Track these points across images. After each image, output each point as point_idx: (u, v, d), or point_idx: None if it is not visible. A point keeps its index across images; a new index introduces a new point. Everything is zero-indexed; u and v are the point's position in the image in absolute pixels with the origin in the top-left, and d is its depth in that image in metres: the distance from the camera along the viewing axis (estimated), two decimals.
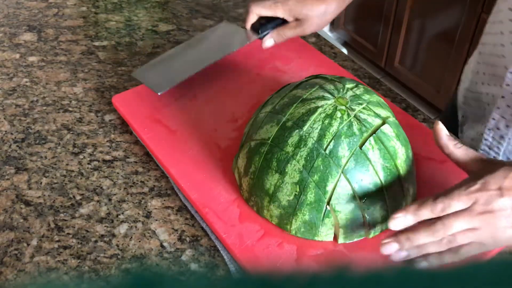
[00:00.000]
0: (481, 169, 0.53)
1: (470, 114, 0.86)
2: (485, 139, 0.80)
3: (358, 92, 0.59)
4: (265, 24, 0.82)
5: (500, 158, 0.79)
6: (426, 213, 0.52)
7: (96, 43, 0.92)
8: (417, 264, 0.53)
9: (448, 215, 0.51)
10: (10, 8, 1.01)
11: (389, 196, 0.57)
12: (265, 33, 0.82)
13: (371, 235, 0.59)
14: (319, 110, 0.57)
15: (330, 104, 0.57)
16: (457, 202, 0.51)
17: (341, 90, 0.59)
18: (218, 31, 0.85)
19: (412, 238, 0.51)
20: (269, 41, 0.80)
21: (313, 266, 0.57)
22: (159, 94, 0.73)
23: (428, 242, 0.52)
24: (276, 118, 0.59)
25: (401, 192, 0.58)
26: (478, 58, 0.81)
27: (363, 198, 0.56)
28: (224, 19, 0.99)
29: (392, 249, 0.52)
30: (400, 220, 0.52)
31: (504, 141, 0.77)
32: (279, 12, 0.79)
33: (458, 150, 0.56)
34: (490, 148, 0.80)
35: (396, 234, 0.52)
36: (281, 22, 0.83)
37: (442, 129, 0.56)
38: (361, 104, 0.58)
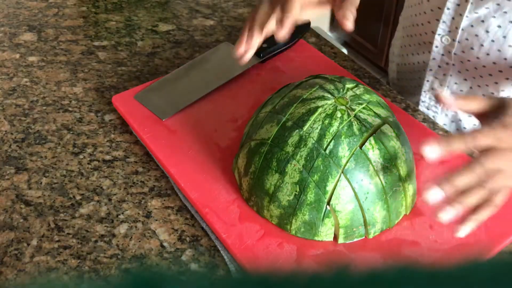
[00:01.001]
0: (494, 112, 0.56)
1: (405, 86, 0.94)
2: (423, 101, 0.88)
3: (358, 92, 0.59)
4: (266, 48, 0.83)
5: (439, 116, 0.87)
6: (457, 141, 0.53)
7: (96, 43, 0.92)
8: (459, 232, 0.54)
9: (480, 155, 0.53)
10: (10, 8, 1.01)
11: (389, 196, 0.57)
12: (266, 56, 0.83)
13: (371, 235, 0.59)
14: (319, 110, 0.57)
15: (330, 104, 0.57)
16: (483, 137, 0.53)
17: (341, 90, 0.59)
18: (218, 52, 0.85)
19: (451, 179, 0.52)
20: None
21: (313, 266, 0.57)
22: (163, 120, 0.72)
23: (469, 193, 0.53)
24: (276, 118, 0.59)
25: (401, 192, 0.58)
26: (402, 33, 0.89)
27: (363, 198, 0.56)
28: (225, 40, 0.99)
29: (436, 195, 0.52)
30: (434, 148, 0.53)
31: None
32: None
33: (468, 102, 0.58)
34: (428, 109, 0.89)
35: (436, 180, 0.53)
36: (283, 46, 0.84)
37: (445, 96, 0.58)
38: (361, 104, 0.58)
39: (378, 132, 0.57)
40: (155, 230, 0.62)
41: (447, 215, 0.53)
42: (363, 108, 0.58)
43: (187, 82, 0.79)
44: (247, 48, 0.61)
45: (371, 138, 0.56)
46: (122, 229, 0.62)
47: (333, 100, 0.58)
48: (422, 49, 0.84)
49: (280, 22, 0.57)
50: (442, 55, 0.80)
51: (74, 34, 0.94)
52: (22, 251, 0.59)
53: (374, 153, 0.56)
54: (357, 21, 0.63)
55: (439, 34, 0.78)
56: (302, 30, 0.87)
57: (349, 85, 0.60)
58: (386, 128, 0.57)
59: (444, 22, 0.76)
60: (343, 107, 0.57)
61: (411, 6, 0.85)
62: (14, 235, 0.61)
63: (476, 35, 0.74)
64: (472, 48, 0.76)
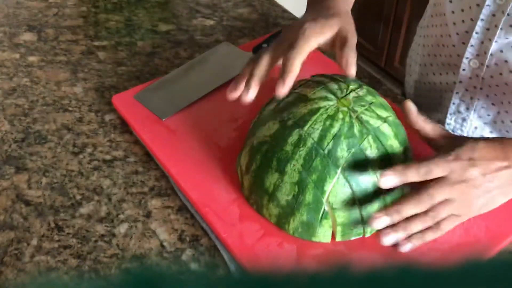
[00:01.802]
0: (450, 144, 0.58)
1: (423, 103, 0.90)
2: (448, 124, 0.86)
3: (361, 93, 0.59)
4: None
5: None
6: (412, 173, 0.55)
7: (96, 43, 0.92)
8: (402, 247, 0.57)
9: (431, 186, 0.55)
10: (10, 8, 1.01)
11: (386, 195, 0.57)
12: None
13: (368, 234, 0.59)
14: (321, 110, 0.57)
15: (333, 105, 0.57)
16: (437, 168, 0.55)
17: (345, 90, 0.59)
18: (218, 52, 0.85)
19: (400, 209, 0.54)
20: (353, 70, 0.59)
21: (313, 266, 0.57)
22: (163, 120, 0.73)
23: (415, 220, 0.55)
24: (279, 116, 0.59)
25: (400, 191, 0.58)
26: (423, 51, 0.85)
27: (361, 197, 0.56)
28: (224, 40, 0.99)
29: (383, 223, 0.54)
30: (390, 178, 0.54)
31: (466, 123, 0.83)
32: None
33: (427, 125, 0.60)
34: (453, 131, 0.86)
35: (385, 209, 0.55)
36: None
37: (412, 106, 0.60)
38: (363, 105, 0.58)
39: (376, 131, 0.57)
40: (155, 230, 0.62)
41: (389, 240, 0.55)
42: (366, 109, 0.58)
43: (187, 82, 0.79)
44: (241, 97, 0.60)
45: (369, 137, 0.56)
46: (122, 229, 0.62)
47: (335, 101, 0.58)
48: (446, 70, 0.81)
49: (282, 79, 0.56)
50: (470, 78, 0.77)
51: (74, 34, 0.94)
52: (22, 251, 0.59)
53: (372, 151, 0.56)
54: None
55: (466, 58, 0.75)
56: None
57: (352, 86, 0.60)
58: (385, 128, 0.57)
59: (472, 46, 0.73)
60: (345, 109, 0.57)
61: (434, 25, 0.81)
62: (14, 235, 0.61)
63: (506, 61, 0.71)
64: (501, 74, 0.73)
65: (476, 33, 0.72)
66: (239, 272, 0.57)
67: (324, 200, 0.55)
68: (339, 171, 0.55)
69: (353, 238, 0.59)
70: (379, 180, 0.54)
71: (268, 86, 0.78)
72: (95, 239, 0.61)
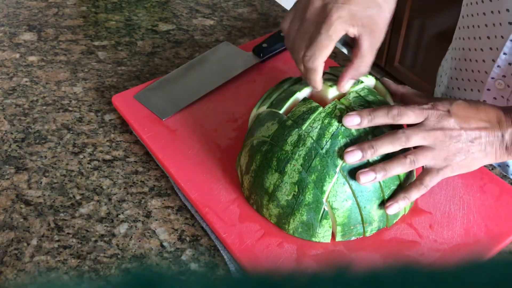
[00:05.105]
0: (428, 98, 0.58)
1: None
2: None
3: (362, 93, 0.59)
4: (267, 47, 0.82)
5: None
6: (381, 114, 0.55)
7: (96, 43, 0.92)
8: (388, 209, 0.56)
9: (408, 129, 0.55)
10: (10, 7, 1.01)
11: (387, 194, 0.57)
12: (266, 56, 0.82)
13: (368, 233, 0.59)
14: (320, 109, 0.57)
15: (332, 104, 0.57)
16: (411, 112, 0.55)
17: None
18: (218, 52, 0.85)
19: (375, 145, 0.54)
20: (348, 84, 0.60)
21: (313, 266, 0.57)
22: (163, 120, 0.73)
23: (393, 161, 0.55)
24: (278, 116, 0.59)
25: (400, 191, 0.58)
26: (452, 64, 0.81)
27: (360, 196, 0.56)
28: (224, 38, 0.99)
29: (356, 158, 0.54)
30: (354, 118, 0.54)
31: None
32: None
33: (409, 90, 0.61)
34: None
35: (360, 143, 0.55)
36: (283, 46, 0.83)
37: (388, 80, 0.62)
38: (363, 105, 0.58)
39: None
40: (155, 230, 0.62)
41: (367, 178, 0.54)
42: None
43: (187, 82, 0.79)
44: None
45: (369, 136, 0.56)
46: (122, 228, 0.62)
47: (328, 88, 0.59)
48: (471, 87, 0.76)
49: (312, 86, 0.59)
50: (494, 98, 0.72)
51: (74, 34, 0.94)
52: (22, 251, 0.59)
53: None
54: None
55: (492, 78, 0.70)
56: None
57: (353, 85, 0.60)
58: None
59: (499, 66, 0.69)
60: (343, 106, 0.57)
61: (462, 38, 0.76)
62: (14, 235, 0.61)
63: None
64: None
65: (504, 53, 0.68)
66: (239, 272, 0.57)
67: (324, 200, 0.55)
68: (337, 170, 0.55)
69: (353, 238, 0.59)
70: (343, 119, 0.54)
71: (263, 88, 0.78)
72: (95, 239, 0.61)
